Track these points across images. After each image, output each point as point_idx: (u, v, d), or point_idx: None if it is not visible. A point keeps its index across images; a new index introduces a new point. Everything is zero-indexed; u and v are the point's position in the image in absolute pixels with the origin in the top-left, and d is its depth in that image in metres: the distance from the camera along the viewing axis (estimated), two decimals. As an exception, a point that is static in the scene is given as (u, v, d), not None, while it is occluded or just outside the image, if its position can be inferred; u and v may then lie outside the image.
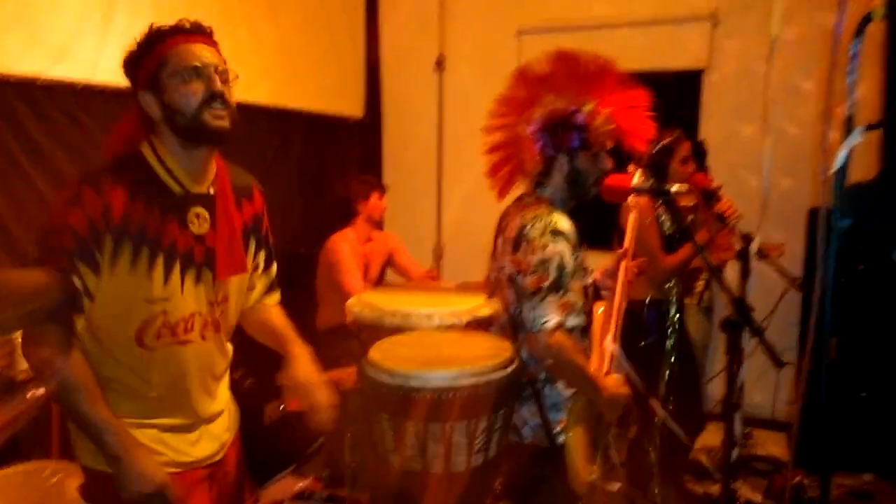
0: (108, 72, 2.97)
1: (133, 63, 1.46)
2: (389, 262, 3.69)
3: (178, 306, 1.46)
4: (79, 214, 1.35)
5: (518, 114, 1.94)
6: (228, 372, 1.69)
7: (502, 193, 2.01)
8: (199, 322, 1.51)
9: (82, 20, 2.85)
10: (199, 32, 1.47)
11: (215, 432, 1.62)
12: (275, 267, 1.75)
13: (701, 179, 2.88)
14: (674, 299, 2.91)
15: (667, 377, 2.87)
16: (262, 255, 1.69)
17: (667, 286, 2.90)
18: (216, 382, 1.62)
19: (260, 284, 1.71)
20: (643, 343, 2.82)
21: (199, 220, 1.49)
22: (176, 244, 1.44)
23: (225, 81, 1.46)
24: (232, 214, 1.54)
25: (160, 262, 1.42)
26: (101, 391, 1.41)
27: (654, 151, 2.86)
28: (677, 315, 2.92)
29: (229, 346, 1.66)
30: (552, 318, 1.77)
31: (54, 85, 2.75)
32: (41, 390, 1.29)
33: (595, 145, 1.90)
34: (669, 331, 2.89)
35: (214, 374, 1.61)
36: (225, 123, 1.44)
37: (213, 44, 1.49)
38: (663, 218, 2.89)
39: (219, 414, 1.64)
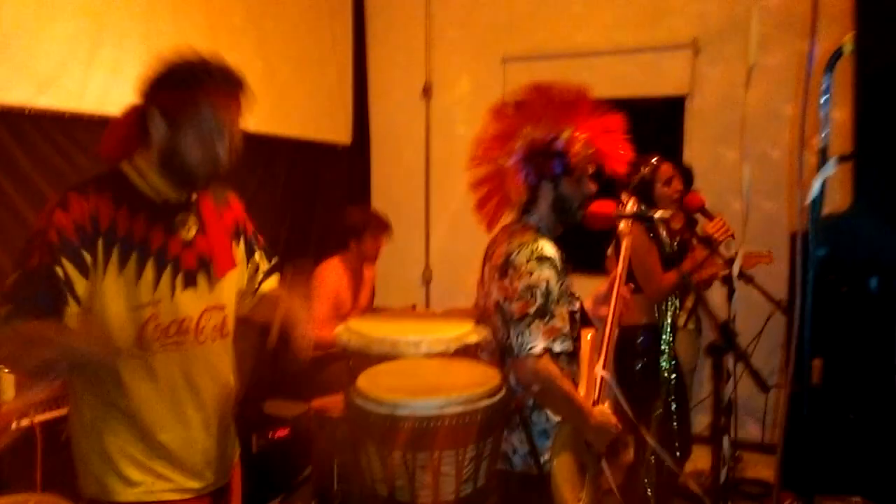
0: (95, 101, 2.99)
1: (164, 83, 1.44)
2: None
3: (169, 310, 1.46)
4: (65, 217, 1.36)
5: (499, 147, 1.96)
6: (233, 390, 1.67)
7: (490, 226, 2.03)
8: (192, 325, 1.50)
9: (69, 50, 2.87)
10: (240, 88, 1.48)
11: (220, 453, 1.60)
12: (275, 259, 1.78)
13: (693, 200, 2.91)
14: (667, 323, 2.93)
15: (664, 401, 2.87)
16: (258, 255, 1.72)
17: (662, 308, 2.91)
18: (222, 390, 1.61)
19: (265, 285, 1.74)
20: (637, 367, 2.83)
21: (185, 226, 1.51)
22: (164, 249, 1.45)
23: (237, 140, 1.48)
24: (217, 217, 1.58)
25: (150, 266, 1.43)
26: (108, 430, 1.44)
27: (635, 181, 2.89)
28: (671, 338, 2.93)
29: (231, 352, 1.65)
30: (539, 344, 1.77)
31: (41, 114, 2.75)
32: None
33: (577, 170, 1.93)
34: (664, 355, 2.90)
35: (218, 381, 1.60)
36: (211, 178, 1.48)
37: (246, 97, 1.50)
38: (665, 236, 2.92)
39: (226, 428, 1.63)
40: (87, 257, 1.36)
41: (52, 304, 1.33)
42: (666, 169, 2.96)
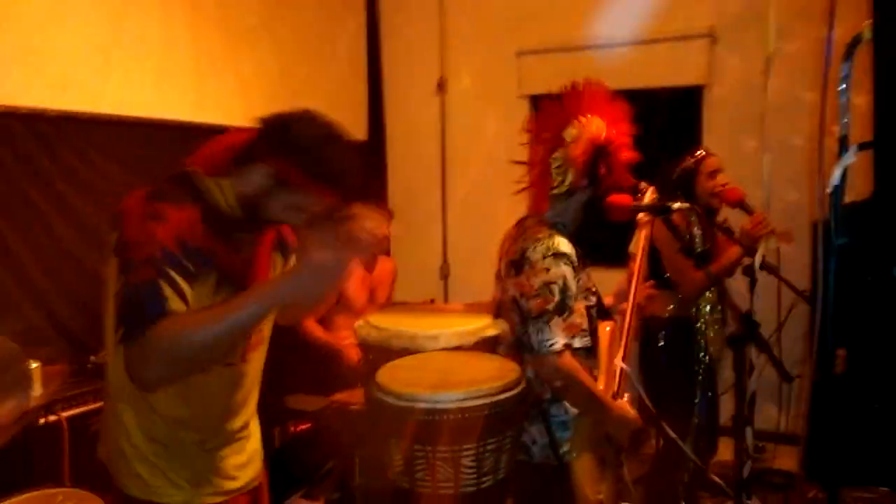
0: (113, 102, 3.03)
1: (291, 148, 1.36)
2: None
3: None
4: (163, 229, 1.31)
5: (552, 131, 1.92)
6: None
7: (534, 208, 1.96)
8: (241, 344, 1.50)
9: (86, 52, 2.91)
10: (352, 200, 1.41)
11: (255, 454, 1.64)
12: None
13: (732, 193, 2.84)
14: (703, 314, 2.89)
15: (701, 393, 2.85)
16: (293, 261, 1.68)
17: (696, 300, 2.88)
18: (256, 394, 1.64)
19: None
20: (664, 359, 2.82)
21: (240, 243, 1.47)
22: (226, 266, 1.42)
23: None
24: (268, 238, 1.55)
25: (225, 282, 1.41)
26: (155, 435, 1.45)
27: (678, 172, 2.86)
28: (704, 328, 2.89)
29: (264, 356, 1.66)
30: (558, 341, 1.77)
31: (59, 116, 2.79)
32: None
33: (614, 174, 1.92)
34: (699, 346, 2.87)
35: (256, 386, 1.63)
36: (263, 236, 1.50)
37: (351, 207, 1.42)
38: (696, 232, 2.88)
39: (257, 429, 1.67)
40: (190, 267, 1.32)
41: (161, 316, 1.25)
42: (712, 162, 2.91)
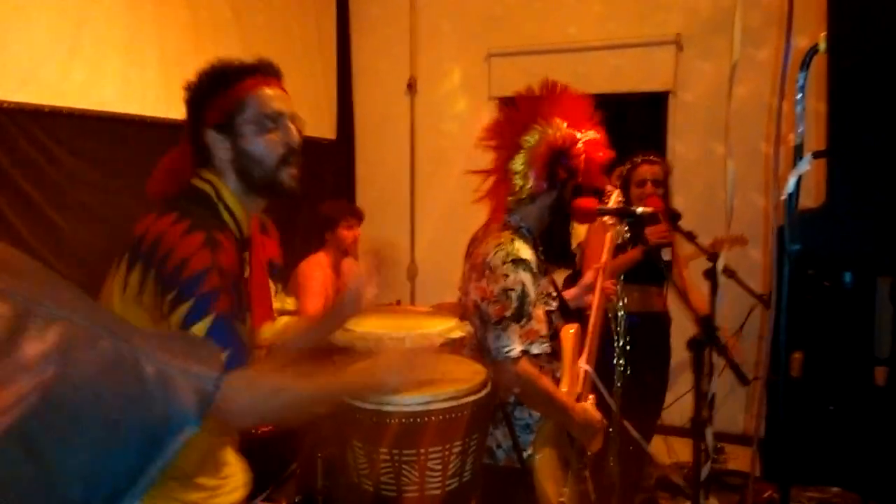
0: (76, 96, 2.96)
1: (201, 99, 1.36)
2: None
3: None
4: (223, 256, 1.24)
5: (510, 137, 1.90)
6: None
7: (495, 217, 1.94)
8: None
9: (48, 44, 2.84)
10: (275, 76, 1.41)
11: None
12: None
13: (651, 202, 2.90)
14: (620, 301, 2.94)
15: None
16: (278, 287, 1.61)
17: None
18: None
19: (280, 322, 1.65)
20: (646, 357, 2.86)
21: (246, 266, 1.41)
22: (243, 290, 1.35)
23: (299, 132, 1.41)
24: (261, 258, 1.47)
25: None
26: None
27: (615, 180, 2.92)
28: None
29: None
30: (515, 348, 1.78)
31: (17, 109, 2.72)
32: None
33: (577, 177, 1.93)
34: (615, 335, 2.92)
35: None
36: (296, 183, 1.40)
37: (285, 88, 1.43)
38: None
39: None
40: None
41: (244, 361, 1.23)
42: (643, 170, 2.97)
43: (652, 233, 2.77)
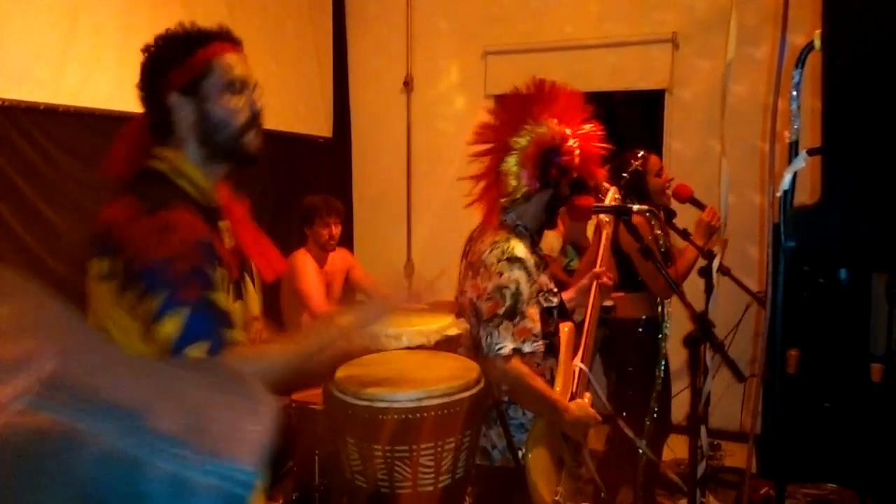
0: (71, 94, 2.95)
1: (167, 62, 1.33)
2: (348, 278, 3.64)
3: (239, 325, 1.32)
4: (188, 233, 1.22)
5: (502, 138, 1.90)
6: None
7: (488, 220, 1.93)
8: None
9: (43, 41, 2.83)
10: (238, 42, 1.41)
11: None
12: None
13: (682, 190, 2.91)
14: (666, 316, 2.93)
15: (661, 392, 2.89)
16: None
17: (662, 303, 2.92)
18: None
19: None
20: (636, 360, 2.85)
21: (227, 233, 1.39)
22: (225, 260, 1.31)
23: (259, 99, 1.40)
24: (244, 218, 1.47)
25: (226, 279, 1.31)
26: None
27: (628, 174, 2.90)
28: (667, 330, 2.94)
29: None
30: (507, 345, 1.77)
31: (13, 106, 2.71)
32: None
33: (572, 174, 1.93)
34: (662, 348, 2.91)
35: None
36: (258, 149, 1.39)
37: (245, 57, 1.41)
38: (657, 232, 2.92)
39: None
40: (218, 272, 1.25)
41: (224, 339, 1.20)
42: (655, 160, 2.97)
43: (710, 216, 2.76)
